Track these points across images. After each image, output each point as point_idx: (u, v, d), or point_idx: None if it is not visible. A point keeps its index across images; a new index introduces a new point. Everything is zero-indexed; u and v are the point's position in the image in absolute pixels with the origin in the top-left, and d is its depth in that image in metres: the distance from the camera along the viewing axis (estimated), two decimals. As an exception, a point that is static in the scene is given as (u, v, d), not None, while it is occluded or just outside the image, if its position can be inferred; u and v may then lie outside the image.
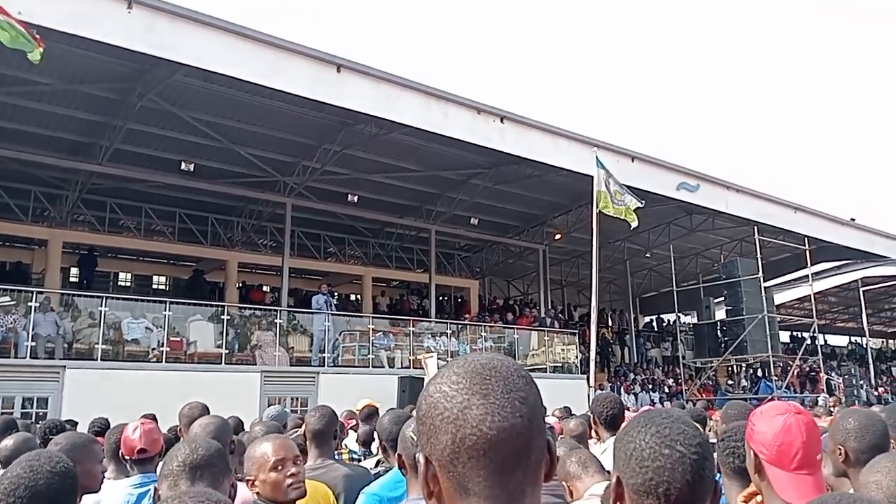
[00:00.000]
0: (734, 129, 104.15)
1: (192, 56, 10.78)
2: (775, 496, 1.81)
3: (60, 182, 16.38)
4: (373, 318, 17.33)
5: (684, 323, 26.36)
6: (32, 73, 11.95)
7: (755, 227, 18.84)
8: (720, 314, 22.00)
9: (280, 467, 2.55)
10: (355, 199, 17.98)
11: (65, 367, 11.48)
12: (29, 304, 12.01)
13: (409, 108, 13.24)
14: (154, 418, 5.12)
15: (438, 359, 12.75)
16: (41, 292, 12.94)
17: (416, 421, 0.96)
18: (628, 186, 13.35)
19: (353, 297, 22.46)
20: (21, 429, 5.61)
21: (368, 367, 15.21)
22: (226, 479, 1.91)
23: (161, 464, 2.05)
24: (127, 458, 3.16)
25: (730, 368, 24.26)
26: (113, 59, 11.57)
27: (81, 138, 14.58)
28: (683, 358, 22.64)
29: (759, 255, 19.03)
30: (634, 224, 13.36)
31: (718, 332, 21.18)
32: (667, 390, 22.59)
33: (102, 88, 12.81)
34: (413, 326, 17.09)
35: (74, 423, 6.95)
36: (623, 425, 1.39)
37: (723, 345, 20.44)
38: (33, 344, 11.59)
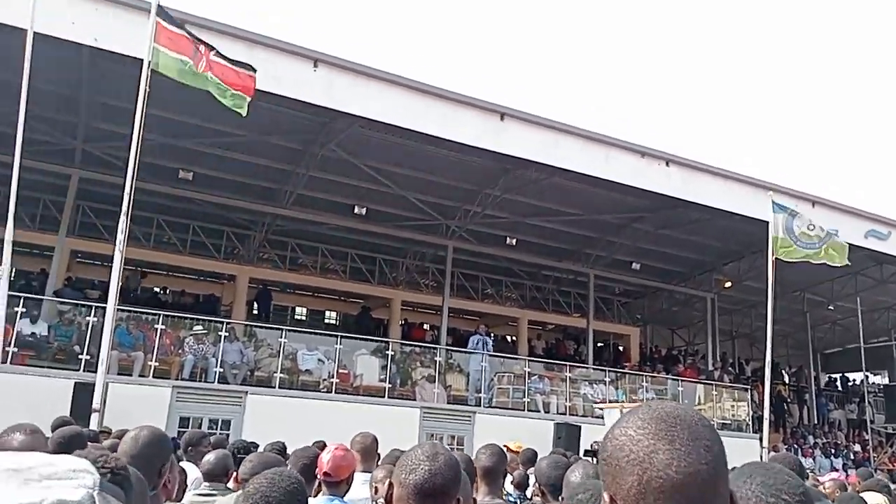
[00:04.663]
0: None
1: (368, 109, 11.62)
2: None
3: (249, 223, 18.05)
4: (528, 360, 17.31)
5: (873, 383, 23.86)
6: (229, 125, 13.37)
7: (958, 279, 16.83)
8: (917, 376, 19.76)
9: None
10: (514, 241, 18.21)
11: (247, 392, 12.42)
12: (218, 333, 13.19)
13: (569, 153, 13.33)
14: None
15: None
16: (229, 323, 14.20)
17: (600, 461, 1.01)
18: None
19: (509, 338, 22.56)
20: (213, 444, 6.22)
21: (523, 409, 15.15)
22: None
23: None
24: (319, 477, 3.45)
25: (929, 437, 21.51)
26: (299, 113, 12.70)
27: (269, 184, 16.02)
28: (872, 422, 20.44)
29: (963, 310, 16.94)
30: (843, 262, 12.33)
31: (915, 394, 19.01)
32: (852, 456, 20.40)
33: (289, 139, 14.09)
34: (570, 372, 16.84)
35: (256, 446, 7.54)
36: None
37: (920, 410, 18.30)
38: (221, 370, 12.67)
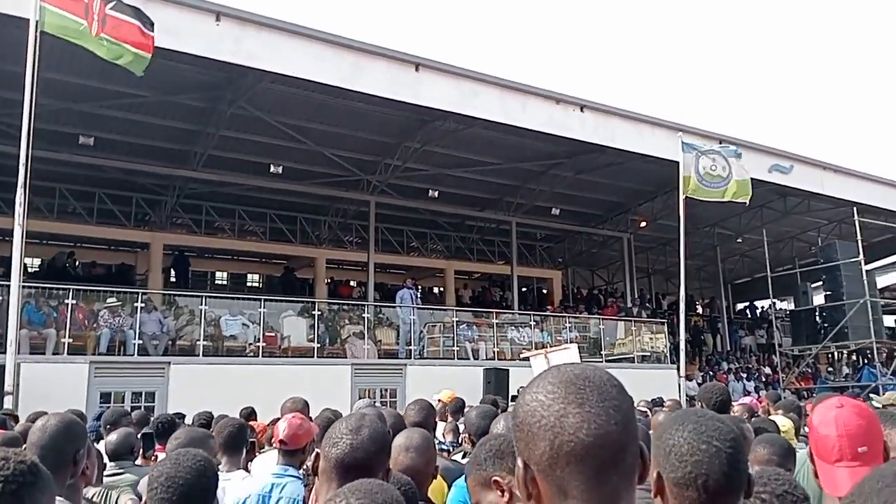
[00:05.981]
0: (829, 109, 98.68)
1: (277, 63, 11.20)
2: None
3: (159, 188, 17.32)
4: (456, 310, 17.53)
5: (780, 309, 25.42)
6: (130, 86, 12.67)
7: (854, 208, 17.97)
8: (818, 299, 21.15)
9: None
10: (436, 194, 18.20)
11: (169, 363, 12.09)
12: (135, 304, 12.65)
13: (486, 103, 13.31)
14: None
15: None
16: (145, 293, 13.69)
17: (512, 427, 1.00)
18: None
19: (436, 290, 22.75)
20: (135, 420, 6.06)
21: (454, 358, 15.40)
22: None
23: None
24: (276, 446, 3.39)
25: (830, 356, 23.19)
26: (203, 70, 12.14)
27: (177, 146, 15.36)
28: (780, 345, 21.84)
29: (859, 237, 18.10)
30: (746, 198, 13.05)
31: (817, 317, 20.41)
32: (763, 379, 21.82)
33: (195, 98, 13.47)
34: (496, 318, 17.18)
35: (182, 416, 7.39)
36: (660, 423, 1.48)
37: (822, 331, 19.65)
38: (140, 342, 12.20)
